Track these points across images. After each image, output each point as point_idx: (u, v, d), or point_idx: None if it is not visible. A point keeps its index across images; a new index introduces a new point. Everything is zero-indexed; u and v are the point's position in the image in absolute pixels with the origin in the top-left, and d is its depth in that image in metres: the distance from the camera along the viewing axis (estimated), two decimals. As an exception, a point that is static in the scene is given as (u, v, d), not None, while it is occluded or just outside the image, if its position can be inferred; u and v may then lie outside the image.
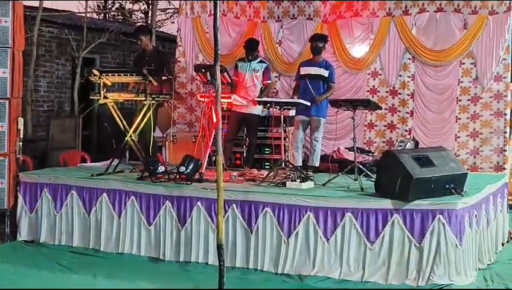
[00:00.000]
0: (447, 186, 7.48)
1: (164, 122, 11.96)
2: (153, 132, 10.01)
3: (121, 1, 27.34)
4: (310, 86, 9.64)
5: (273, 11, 11.96)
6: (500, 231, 8.99)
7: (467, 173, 7.84)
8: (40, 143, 14.11)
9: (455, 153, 10.32)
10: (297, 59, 11.57)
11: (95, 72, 9.52)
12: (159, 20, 20.24)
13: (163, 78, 9.66)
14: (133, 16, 27.29)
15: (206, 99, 9.35)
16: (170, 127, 11.76)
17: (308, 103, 9.39)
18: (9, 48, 9.23)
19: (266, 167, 10.49)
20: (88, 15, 16.33)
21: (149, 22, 20.30)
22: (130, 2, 27.20)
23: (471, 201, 7.50)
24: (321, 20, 11.60)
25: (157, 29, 16.76)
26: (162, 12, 23.70)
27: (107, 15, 26.12)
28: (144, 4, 26.83)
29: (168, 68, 10.71)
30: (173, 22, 24.24)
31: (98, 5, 25.21)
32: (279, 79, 11.89)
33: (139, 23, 25.41)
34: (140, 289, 7.34)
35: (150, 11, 17.82)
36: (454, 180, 7.55)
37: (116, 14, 27.15)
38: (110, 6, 27.16)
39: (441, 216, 7.14)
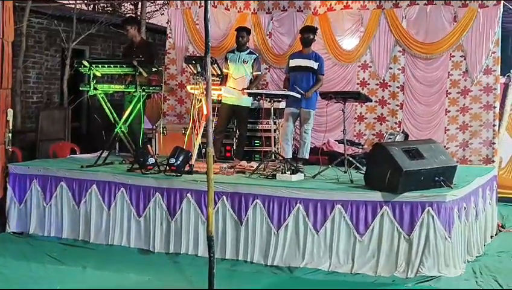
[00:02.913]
0: (436, 178, 7.50)
1: (154, 114, 11.93)
2: (142, 123, 9.98)
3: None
4: (299, 79, 9.64)
5: (263, 3, 11.97)
6: (489, 224, 9.01)
7: (456, 166, 7.88)
8: (30, 134, 14.06)
9: (444, 146, 10.35)
10: (287, 51, 11.58)
11: (85, 63, 9.48)
12: (148, 12, 20.11)
13: (153, 69, 9.60)
14: (123, 7, 27.14)
15: (196, 91, 9.33)
16: (160, 118, 11.71)
17: (298, 95, 9.39)
18: (-2, 38, 9.18)
19: (256, 159, 10.48)
20: (78, 6, 16.24)
21: (138, 13, 20.25)
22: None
23: (460, 193, 7.52)
24: (311, 12, 11.61)
25: (147, 20, 16.68)
26: (151, 4, 23.54)
27: (96, 6, 25.97)
28: (133, -5, 26.73)
29: (157, 59, 10.68)
30: (163, 14, 24.12)
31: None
32: (269, 71, 11.90)
33: (129, 15, 25.35)
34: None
35: (140, 2, 17.76)
36: (443, 173, 7.57)
37: (105, 5, 26.99)
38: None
39: (430, 208, 7.16)
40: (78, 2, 15.92)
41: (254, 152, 10.74)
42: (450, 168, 7.73)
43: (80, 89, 10.13)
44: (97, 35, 16.45)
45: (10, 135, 9.52)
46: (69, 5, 16.94)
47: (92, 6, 24.49)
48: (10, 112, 9.52)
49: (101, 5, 25.65)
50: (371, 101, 10.39)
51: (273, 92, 9.95)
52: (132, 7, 26.29)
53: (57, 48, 15.83)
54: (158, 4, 23.98)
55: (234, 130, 10.73)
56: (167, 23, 12.68)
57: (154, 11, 24.55)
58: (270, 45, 11.94)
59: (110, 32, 16.62)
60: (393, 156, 7.40)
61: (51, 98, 15.88)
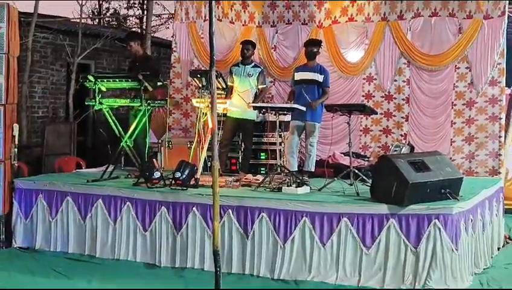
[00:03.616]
0: (442, 190, 7.48)
1: (159, 128, 11.93)
2: (148, 137, 9.99)
3: (115, 6, 27.36)
4: (304, 91, 9.65)
5: (268, 16, 11.96)
6: (496, 236, 8.98)
7: (463, 178, 7.86)
8: (35, 149, 14.10)
9: (450, 158, 10.31)
10: (292, 64, 11.58)
11: (90, 77, 9.51)
12: (153, 26, 20.25)
13: (158, 83, 9.63)
14: (128, 21, 27.29)
15: (201, 105, 9.35)
16: (165, 132, 11.71)
17: (303, 108, 9.39)
18: (4, 54, 9.21)
19: (262, 172, 10.48)
20: (83, 21, 16.31)
21: (144, 27, 20.32)
22: (124, 8, 27.23)
23: (466, 206, 7.50)
24: (316, 25, 11.59)
25: (152, 34, 16.74)
26: (156, 18, 23.68)
27: (101, 20, 26.10)
28: (138, 9, 26.86)
29: (159, 72, 10.71)
30: (168, 28, 24.26)
31: (92, 10, 25.20)
32: (274, 84, 11.88)
33: (133, 29, 25.46)
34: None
35: (145, 17, 17.81)
36: (450, 185, 7.56)
37: (110, 19, 27.14)
38: (104, 11, 27.14)
39: (436, 221, 7.15)
40: (83, 17, 15.90)
41: (260, 165, 10.73)
42: (456, 180, 7.72)
43: (86, 103, 10.16)
44: (102, 50, 16.51)
45: (16, 150, 9.55)
46: (75, 20, 16.99)
47: (97, 20, 24.66)
48: (16, 127, 9.55)
49: (106, 19, 25.83)
50: (376, 113, 10.36)
51: (278, 105, 9.94)
52: (137, 21, 26.46)
53: (63, 62, 15.90)
54: (163, 18, 24.12)
55: (240, 143, 10.72)
56: (172, 37, 12.71)
57: (159, 25, 24.72)
58: (275, 58, 11.93)
59: (115, 47, 16.68)
60: (399, 168, 7.40)
61: (57, 112, 15.93)
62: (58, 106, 15.99)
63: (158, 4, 23.50)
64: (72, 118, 14.69)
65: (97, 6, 26.27)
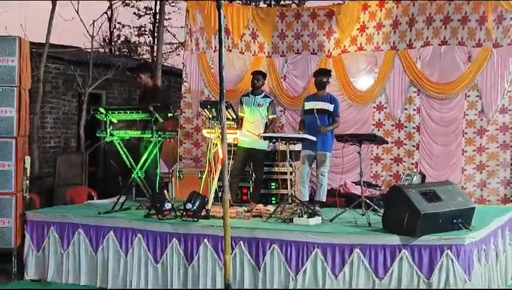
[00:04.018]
0: (454, 221, 7.46)
1: (170, 158, 11.96)
2: (158, 168, 10.01)
3: (126, 34, 27.54)
4: (315, 121, 9.67)
5: (277, 46, 12.04)
6: (510, 265, 8.88)
7: (475, 207, 7.83)
8: (47, 179, 14.12)
9: (462, 186, 10.31)
10: (302, 93, 11.62)
11: (102, 110, 9.57)
12: (164, 53, 20.33)
13: (169, 115, 9.67)
14: (139, 49, 27.47)
15: (212, 135, 9.39)
16: (176, 162, 11.75)
17: (314, 138, 9.38)
18: (15, 86, 9.28)
19: (273, 202, 10.49)
20: (94, 49, 16.40)
21: (154, 54, 20.44)
22: (135, 35, 27.42)
23: (479, 235, 7.47)
24: (325, 54, 11.65)
25: (163, 62, 16.82)
26: (167, 44, 23.80)
27: (113, 48, 26.28)
28: (149, 37, 27.04)
29: (169, 102, 10.76)
30: (178, 54, 24.37)
31: (103, 38, 25.36)
32: (284, 113, 11.91)
33: (144, 57, 25.64)
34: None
35: (156, 46, 17.95)
36: (461, 215, 7.53)
37: (121, 47, 27.32)
38: (115, 39, 27.33)
39: (449, 251, 7.12)
40: (94, 48, 16.00)
41: (271, 195, 10.73)
42: (468, 210, 7.69)
43: (97, 135, 10.21)
44: (113, 80, 16.55)
45: (28, 182, 9.58)
46: (86, 50, 17.08)
47: (108, 48, 24.82)
48: (28, 159, 9.60)
49: (117, 47, 26.00)
50: (387, 143, 10.33)
51: (289, 136, 9.94)
52: (148, 48, 26.62)
53: (74, 92, 15.96)
54: (174, 45, 24.27)
55: (250, 173, 10.72)
56: (183, 67, 12.76)
57: (169, 52, 24.82)
58: (284, 88, 11.97)
59: (126, 76, 16.73)
60: (410, 199, 7.39)
61: (68, 142, 15.97)
62: (70, 136, 16.04)
63: (169, 32, 23.75)
64: (83, 148, 14.73)
65: (108, 34, 26.44)
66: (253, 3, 24.35)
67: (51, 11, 14.51)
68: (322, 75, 10.10)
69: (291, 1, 24.88)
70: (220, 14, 6.31)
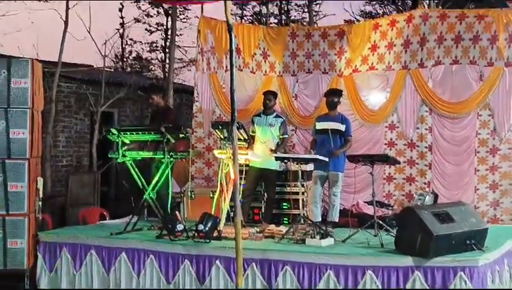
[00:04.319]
0: (467, 242, 7.44)
1: (182, 177, 11.97)
2: (170, 188, 10.02)
3: (138, 49, 27.64)
4: (326, 141, 9.67)
5: (288, 65, 12.04)
6: (524, 285, 8.87)
7: (488, 228, 7.80)
8: (59, 199, 14.17)
9: (475, 206, 10.27)
10: (313, 113, 11.62)
11: (114, 131, 9.60)
12: (176, 68, 20.35)
13: (181, 135, 9.70)
14: (150, 64, 27.56)
15: (223, 156, 9.40)
16: (188, 181, 11.76)
17: (326, 159, 9.37)
18: (28, 108, 9.32)
19: (285, 222, 10.47)
20: (106, 69, 16.51)
21: (166, 70, 20.50)
22: (147, 51, 27.52)
23: (492, 257, 7.45)
24: (337, 74, 11.64)
25: (174, 80, 16.82)
26: (178, 61, 23.85)
27: (124, 64, 26.39)
28: (160, 52, 27.13)
29: (181, 121, 10.79)
30: (190, 70, 24.41)
31: (115, 54, 25.46)
32: (295, 132, 11.90)
33: (156, 73, 25.72)
34: None
35: (167, 61, 18.00)
36: (475, 236, 7.51)
37: (133, 63, 27.43)
38: (127, 55, 27.43)
39: (462, 273, 7.10)
40: (106, 67, 16.11)
41: (283, 215, 10.71)
42: (481, 231, 7.66)
43: (109, 156, 10.25)
44: (126, 98, 16.64)
45: (40, 203, 9.62)
46: (98, 68, 17.18)
47: (120, 63, 24.93)
48: (40, 180, 9.65)
49: (129, 63, 26.11)
50: (399, 163, 10.30)
51: (300, 156, 9.94)
52: (160, 64, 26.72)
53: (86, 111, 16.06)
54: (185, 61, 24.34)
55: (262, 193, 10.71)
56: (194, 87, 12.78)
57: (181, 68, 24.86)
58: (296, 107, 11.96)
59: (138, 94, 16.82)
60: (423, 220, 7.38)
61: (81, 161, 16.05)
62: (82, 154, 16.12)
63: (180, 47, 23.82)
64: (95, 167, 14.78)
65: (120, 50, 26.53)
66: (264, 18, 24.52)
67: (63, 31, 14.63)
68: (333, 95, 10.10)
69: (301, 18, 25.06)
70: (231, 37, 6.33)
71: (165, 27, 26.31)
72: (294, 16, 26.30)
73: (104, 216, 11.85)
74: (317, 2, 21.55)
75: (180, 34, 24.15)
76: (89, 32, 15.42)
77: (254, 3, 23.76)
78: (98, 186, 14.12)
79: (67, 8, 14.64)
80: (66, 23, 14.57)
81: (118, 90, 16.02)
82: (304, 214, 9.45)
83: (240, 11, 26.60)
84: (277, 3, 24.29)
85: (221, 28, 12.13)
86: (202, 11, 12.63)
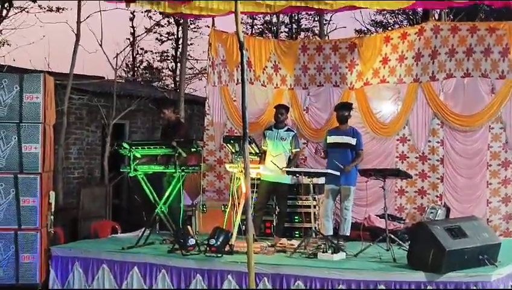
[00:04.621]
0: (480, 257, 7.42)
1: (193, 189, 11.98)
2: (182, 201, 10.04)
3: (148, 59, 27.79)
4: (338, 155, 9.66)
5: (299, 78, 12.05)
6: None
7: (500, 243, 7.77)
8: (71, 211, 14.20)
9: (487, 219, 10.23)
10: (324, 126, 11.61)
11: (125, 145, 9.64)
12: (187, 77, 20.38)
13: (192, 150, 9.73)
14: (161, 74, 27.69)
15: (235, 170, 9.41)
16: (199, 194, 11.77)
17: (338, 173, 9.37)
18: (40, 123, 9.35)
19: (296, 235, 10.46)
20: (118, 80, 16.56)
21: (177, 79, 20.55)
22: (157, 61, 27.65)
23: (505, 271, 7.45)
24: (348, 87, 11.63)
25: (185, 90, 16.81)
26: (189, 70, 23.91)
27: (135, 73, 26.51)
28: (171, 62, 27.25)
29: (190, 134, 10.83)
30: (201, 80, 24.50)
31: (126, 63, 25.60)
32: (307, 146, 11.88)
33: (166, 82, 25.85)
34: None
35: (178, 75, 18.03)
36: (487, 251, 7.49)
37: (143, 72, 27.57)
38: (138, 64, 27.55)
39: (475, 288, 7.07)
40: (118, 79, 16.18)
41: (294, 228, 10.69)
42: (494, 246, 7.65)
43: (121, 170, 10.28)
44: (137, 110, 16.67)
45: (52, 217, 9.64)
46: (110, 80, 17.22)
47: (131, 73, 25.04)
48: (52, 194, 9.67)
49: (140, 72, 26.23)
50: (411, 177, 10.23)
51: (312, 171, 9.95)
52: (170, 73, 26.82)
53: (98, 123, 16.11)
54: (196, 70, 24.42)
55: (274, 206, 10.70)
56: (205, 100, 12.79)
57: (192, 77, 24.95)
58: (307, 120, 11.96)
59: (149, 106, 16.87)
60: (435, 235, 7.38)
61: (92, 172, 16.10)
62: (94, 166, 16.16)
63: (191, 57, 23.89)
64: (107, 180, 14.81)
65: (131, 59, 26.67)
66: (274, 27, 24.58)
67: (74, 44, 14.69)
68: (343, 109, 10.09)
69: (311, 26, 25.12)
70: (242, 55, 6.35)
71: (175, 36, 26.49)
72: (305, 25, 26.46)
73: (115, 229, 11.86)
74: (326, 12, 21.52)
75: (191, 44, 24.28)
76: (101, 46, 15.47)
77: (265, 11, 23.83)
78: (110, 199, 14.16)
79: (79, 21, 14.69)
80: (77, 36, 14.63)
81: (129, 102, 16.07)
82: (315, 227, 9.44)
83: (250, 20, 26.75)
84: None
85: (232, 41, 12.17)
86: (213, 24, 12.68)
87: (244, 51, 6.42)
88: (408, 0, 9.97)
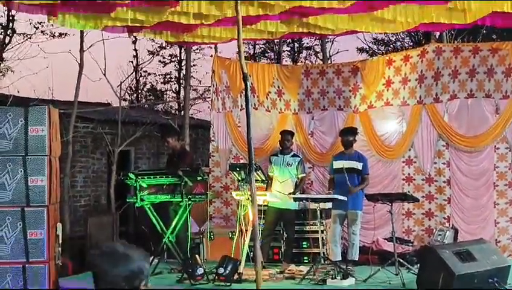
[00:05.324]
0: (490, 280, 7.39)
1: (199, 215, 11.96)
2: (189, 229, 10.03)
3: (151, 81, 27.85)
4: (344, 180, 9.66)
5: (303, 103, 12.09)
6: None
7: (510, 266, 7.75)
8: (78, 240, 14.17)
9: (496, 239, 10.20)
10: (330, 149, 11.64)
11: (131, 175, 9.66)
12: (191, 99, 20.36)
13: (198, 178, 9.74)
14: (165, 95, 27.76)
15: (241, 197, 9.41)
16: (207, 221, 11.75)
17: (345, 198, 9.37)
18: (46, 156, 9.36)
19: (305, 261, 10.42)
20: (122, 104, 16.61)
21: (181, 101, 20.53)
22: (161, 82, 27.71)
23: (516, 294, 7.39)
24: (352, 110, 11.66)
25: (189, 111, 16.74)
26: (193, 91, 23.96)
27: (139, 96, 26.56)
28: (175, 84, 27.30)
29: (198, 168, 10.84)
30: (205, 100, 24.54)
31: (130, 86, 25.67)
32: (313, 170, 11.88)
33: (171, 103, 25.88)
34: None
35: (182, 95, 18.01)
36: (497, 274, 7.48)
37: (147, 94, 27.64)
38: (141, 86, 27.59)
39: (486, 313, 7.04)
40: (122, 106, 16.23)
41: (303, 254, 10.65)
42: (504, 269, 7.64)
43: (127, 200, 10.29)
44: (142, 136, 16.66)
45: (60, 249, 9.62)
46: (115, 107, 17.26)
47: (134, 95, 25.08)
48: (59, 226, 9.63)
49: (143, 94, 26.30)
50: (418, 201, 10.24)
51: (319, 197, 9.95)
52: (174, 95, 26.88)
53: (103, 150, 16.10)
54: (200, 91, 24.45)
55: (281, 232, 10.67)
56: (210, 127, 12.78)
57: (196, 98, 24.93)
58: (312, 144, 11.97)
59: (154, 132, 16.88)
60: (444, 260, 7.35)
61: (98, 200, 16.09)
62: (100, 193, 16.15)
63: (194, 78, 23.94)
64: (113, 208, 14.80)
65: (134, 82, 26.72)
66: (276, 46, 24.64)
67: (78, 73, 14.75)
68: (347, 134, 10.11)
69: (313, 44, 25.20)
70: (246, 86, 6.37)
71: (178, 58, 26.57)
72: (307, 43, 26.52)
73: (123, 259, 11.82)
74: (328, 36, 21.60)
75: (194, 65, 24.35)
76: (104, 75, 15.52)
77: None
78: (117, 227, 14.14)
79: (82, 50, 14.76)
80: (80, 65, 14.68)
81: (134, 128, 16.08)
82: (324, 253, 9.42)
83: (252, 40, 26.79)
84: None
85: (235, 68, 12.20)
86: (216, 51, 12.74)
87: (248, 83, 6.45)
88: (409, 24, 9.95)
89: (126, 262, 3.05)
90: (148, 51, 25.38)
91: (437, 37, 14.89)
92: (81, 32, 14.52)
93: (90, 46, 15.11)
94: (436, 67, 10.91)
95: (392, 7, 9.23)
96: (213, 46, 13.00)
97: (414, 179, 11.18)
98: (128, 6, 9.21)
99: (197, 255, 9.64)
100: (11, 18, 17.91)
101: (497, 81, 10.50)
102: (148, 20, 9.69)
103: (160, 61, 26.76)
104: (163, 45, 25.47)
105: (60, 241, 9.62)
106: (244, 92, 7.33)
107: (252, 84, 12.01)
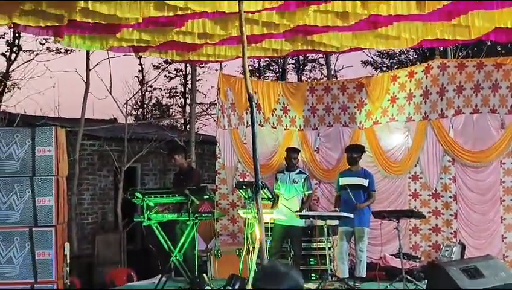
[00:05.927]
0: (498, 297, 7.38)
1: (206, 232, 11.97)
2: (196, 247, 10.04)
3: (157, 95, 27.96)
4: (351, 197, 9.67)
5: (309, 119, 12.13)
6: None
7: (518, 282, 7.73)
8: (86, 258, 14.19)
9: (503, 254, 10.18)
10: (336, 165, 11.66)
11: (138, 194, 9.67)
12: (197, 113, 20.38)
13: (205, 197, 9.76)
14: (171, 110, 27.85)
15: (248, 215, 9.41)
16: (214, 238, 11.76)
17: (351, 215, 9.39)
18: (53, 176, 9.40)
19: (312, 278, 10.41)
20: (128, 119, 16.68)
21: (186, 115, 20.55)
22: (166, 97, 27.80)
23: (524, 311, 7.37)
24: (357, 126, 11.68)
25: (195, 127, 16.75)
26: (198, 106, 24.01)
27: (145, 111, 26.64)
28: (180, 98, 27.38)
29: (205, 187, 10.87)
30: (211, 116, 24.60)
31: (136, 101, 25.73)
32: (319, 186, 11.89)
33: (177, 116, 25.93)
34: None
35: (188, 112, 18.01)
36: (505, 291, 7.45)
37: (153, 109, 27.70)
38: (147, 101, 27.67)
39: (494, 330, 7.03)
40: (128, 123, 16.29)
41: (310, 271, 10.60)
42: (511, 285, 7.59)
43: (134, 220, 10.30)
44: (148, 153, 16.69)
45: (68, 269, 9.64)
46: (121, 123, 17.33)
47: (140, 110, 25.14)
48: (67, 246, 9.67)
49: (149, 108, 26.36)
50: (424, 217, 10.26)
51: (326, 214, 9.97)
52: (180, 109, 26.94)
53: (109, 167, 16.14)
54: (205, 105, 24.50)
55: (289, 249, 10.66)
56: (216, 144, 12.80)
57: (201, 112, 25.01)
58: (318, 160, 12.00)
59: (160, 148, 16.91)
60: (452, 277, 7.33)
61: (105, 217, 16.12)
62: (107, 210, 16.19)
63: (200, 92, 24.00)
64: (121, 226, 14.82)
65: (140, 97, 26.79)
66: (281, 60, 24.69)
67: (84, 91, 14.83)
68: (352, 152, 10.17)
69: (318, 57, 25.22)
70: (251, 107, 6.41)
71: (183, 72, 26.67)
72: (312, 56, 26.60)
73: (131, 277, 11.86)
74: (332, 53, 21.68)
75: (199, 80, 24.42)
76: (110, 93, 15.61)
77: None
78: (124, 245, 14.17)
79: (88, 69, 14.85)
80: (86, 84, 14.77)
81: (141, 145, 16.13)
82: (331, 269, 9.42)
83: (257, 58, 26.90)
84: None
85: (240, 85, 12.26)
86: (221, 68, 12.81)
87: (253, 104, 6.48)
88: (413, 41, 10.00)
89: (288, 281, 3.38)
90: (154, 66, 25.52)
91: (441, 50, 14.90)
92: (87, 50, 14.62)
93: (96, 65, 15.23)
94: (441, 83, 10.94)
95: (396, 24, 9.29)
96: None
97: (420, 195, 11.18)
98: (133, 27, 9.28)
99: (204, 274, 9.65)
100: (17, 35, 18.06)
101: (501, 96, 10.51)
102: (153, 40, 9.78)
103: (165, 76, 26.90)
104: (169, 60, 25.60)
105: (68, 261, 9.65)
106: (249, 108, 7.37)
107: (257, 101, 12.06)
